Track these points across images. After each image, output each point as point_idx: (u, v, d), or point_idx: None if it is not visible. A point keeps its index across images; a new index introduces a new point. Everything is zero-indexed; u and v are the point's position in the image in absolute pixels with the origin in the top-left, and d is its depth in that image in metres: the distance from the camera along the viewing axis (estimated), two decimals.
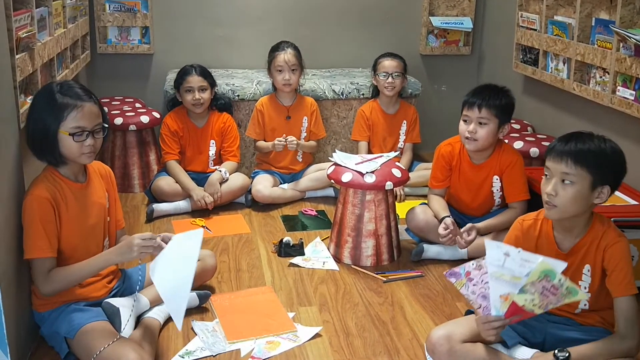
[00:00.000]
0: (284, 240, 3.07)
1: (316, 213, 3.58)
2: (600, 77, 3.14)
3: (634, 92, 2.85)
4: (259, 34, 4.39)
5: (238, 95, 3.96)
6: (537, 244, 2.15)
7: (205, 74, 3.59)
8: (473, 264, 2.02)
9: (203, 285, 2.68)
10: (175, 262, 2.09)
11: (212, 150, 3.68)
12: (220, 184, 3.53)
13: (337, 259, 3.02)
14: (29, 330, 2.23)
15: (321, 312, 2.58)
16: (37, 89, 2.54)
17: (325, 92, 4.05)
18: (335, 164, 3.06)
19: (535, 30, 3.72)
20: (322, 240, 3.21)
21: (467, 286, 2.01)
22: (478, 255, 2.09)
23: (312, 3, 4.45)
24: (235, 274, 2.89)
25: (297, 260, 2.99)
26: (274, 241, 3.17)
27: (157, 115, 3.87)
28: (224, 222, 3.45)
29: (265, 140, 3.80)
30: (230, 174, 3.59)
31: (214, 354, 2.28)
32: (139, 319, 2.34)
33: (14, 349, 1.98)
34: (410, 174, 3.38)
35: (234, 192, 3.59)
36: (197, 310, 2.54)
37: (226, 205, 3.60)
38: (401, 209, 3.45)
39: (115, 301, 2.26)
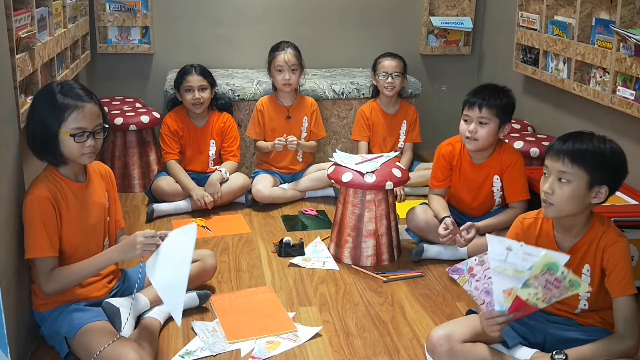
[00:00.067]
0: (284, 240, 3.07)
1: (316, 213, 3.58)
2: (601, 77, 3.14)
3: (634, 92, 2.85)
4: (259, 34, 4.39)
5: (238, 95, 3.96)
6: (537, 242, 2.15)
7: (205, 73, 3.59)
8: (475, 260, 2.01)
9: (203, 285, 2.68)
10: (171, 258, 2.10)
11: (212, 150, 3.68)
12: (221, 183, 3.53)
13: (337, 258, 3.02)
14: (29, 330, 2.23)
15: (321, 312, 2.58)
16: (37, 89, 2.54)
17: (325, 92, 4.05)
18: (336, 164, 3.06)
19: (536, 30, 3.72)
20: (322, 240, 3.21)
21: (470, 282, 2.01)
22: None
23: (312, 3, 4.45)
24: (236, 273, 2.89)
25: (297, 260, 2.99)
26: (274, 241, 3.17)
27: (157, 115, 3.87)
28: (224, 222, 3.45)
29: (265, 140, 3.81)
30: (230, 174, 3.59)
31: (214, 354, 2.28)
32: (139, 319, 2.35)
33: (14, 349, 1.98)
34: (411, 174, 3.38)
35: (234, 192, 3.59)
36: (197, 310, 2.54)
37: (226, 205, 3.60)
38: (401, 208, 3.45)
39: (115, 301, 2.26)
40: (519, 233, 2.20)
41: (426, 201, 3.14)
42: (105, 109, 2.30)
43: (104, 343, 2.06)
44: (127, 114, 3.81)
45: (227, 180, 3.56)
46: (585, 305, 2.11)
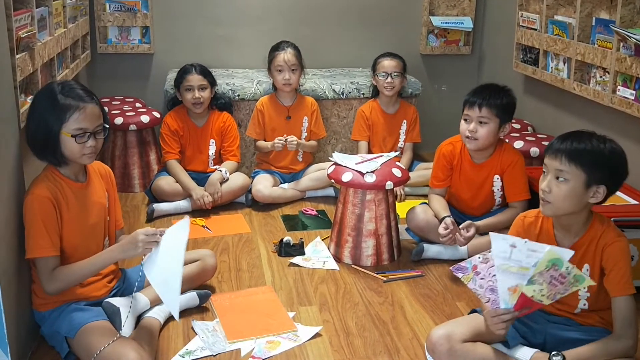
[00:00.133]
0: (284, 240, 3.07)
1: (316, 213, 3.58)
2: (601, 76, 3.14)
3: (634, 92, 2.85)
4: (259, 33, 4.39)
5: (238, 95, 3.96)
6: (538, 241, 2.13)
7: (205, 72, 3.59)
8: (480, 258, 2.00)
9: (203, 285, 2.68)
10: (166, 253, 2.11)
11: (212, 150, 3.68)
12: (221, 183, 3.53)
13: (338, 258, 3.02)
14: (29, 329, 2.23)
15: (321, 312, 2.58)
16: (38, 88, 2.54)
17: (325, 92, 4.05)
18: (336, 164, 3.06)
19: (536, 29, 3.72)
20: (322, 239, 3.21)
21: (475, 280, 2.00)
22: None
23: (312, 3, 4.45)
24: (236, 273, 2.89)
25: (297, 259, 2.99)
26: (274, 241, 3.17)
27: (157, 115, 3.87)
28: (224, 221, 3.45)
29: (265, 140, 3.81)
30: (230, 174, 3.59)
31: (214, 354, 2.28)
32: (139, 319, 2.35)
33: (14, 349, 1.98)
34: (411, 174, 3.38)
35: (234, 191, 3.59)
36: (198, 310, 2.54)
37: (226, 205, 3.60)
38: (401, 208, 3.45)
39: (115, 301, 2.26)
40: (520, 231, 2.20)
41: (426, 201, 3.14)
42: (106, 108, 2.30)
43: (104, 343, 2.06)
44: (127, 113, 3.81)
45: (227, 180, 3.56)
46: (585, 305, 2.11)
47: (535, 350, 2.10)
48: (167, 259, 2.10)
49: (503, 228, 2.70)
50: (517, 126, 3.92)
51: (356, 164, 2.99)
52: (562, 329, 2.13)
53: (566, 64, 3.46)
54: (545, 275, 1.87)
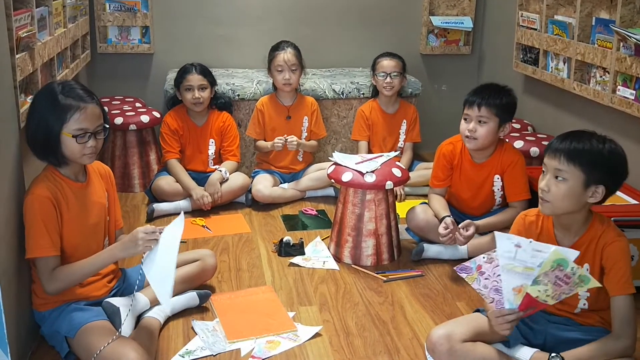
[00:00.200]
0: (284, 240, 3.07)
1: (316, 212, 3.58)
2: (601, 76, 3.14)
3: (634, 92, 2.85)
4: (259, 33, 4.39)
5: (238, 95, 3.96)
6: (538, 240, 2.14)
7: (205, 72, 3.59)
8: (484, 257, 2.00)
9: (203, 285, 2.68)
10: (163, 250, 2.12)
11: (212, 150, 3.68)
12: (221, 183, 3.53)
13: (337, 258, 3.02)
14: (29, 329, 2.23)
15: (321, 312, 2.58)
16: (37, 88, 2.54)
17: (325, 92, 4.05)
18: (336, 164, 3.06)
19: (536, 29, 3.72)
20: (322, 239, 3.21)
21: (479, 280, 2.00)
22: (478, 254, 2.08)
23: (312, 3, 4.45)
24: (236, 273, 2.89)
25: (297, 259, 2.99)
26: (274, 241, 3.17)
27: (157, 114, 3.87)
28: (224, 221, 3.45)
29: (265, 140, 3.81)
30: (230, 174, 3.59)
31: (214, 354, 2.28)
32: (139, 319, 2.35)
33: (14, 349, 1.98)
34: (411, 174, 3.38)
35: (234, 191, 3.59)
36: (197, 310, 2.54)
37: (226, 205, 3.60)
38: (401, 208, 3.45)
39: (115, 300, 2.26)
40: (521, 230, 2.20)
41: (426, 201, 3.14)
42: (106, 108, 2.30)
43: (104, 342, 2.06)
44: (127, 113, 3.81)
45: (227, 180, 3.56)
46: (585, 305, 2.11)
47: (535, 350, 2.09)
48: (164, 255, 2.11)
49: (503, 228, 2.70)
50: (517, 126, 3.92)
51: (356, 163, 2.99)
52: (562, 329, 2.13)
53: (566, 64, 3.46)
54: (550, 276, 1.86)
